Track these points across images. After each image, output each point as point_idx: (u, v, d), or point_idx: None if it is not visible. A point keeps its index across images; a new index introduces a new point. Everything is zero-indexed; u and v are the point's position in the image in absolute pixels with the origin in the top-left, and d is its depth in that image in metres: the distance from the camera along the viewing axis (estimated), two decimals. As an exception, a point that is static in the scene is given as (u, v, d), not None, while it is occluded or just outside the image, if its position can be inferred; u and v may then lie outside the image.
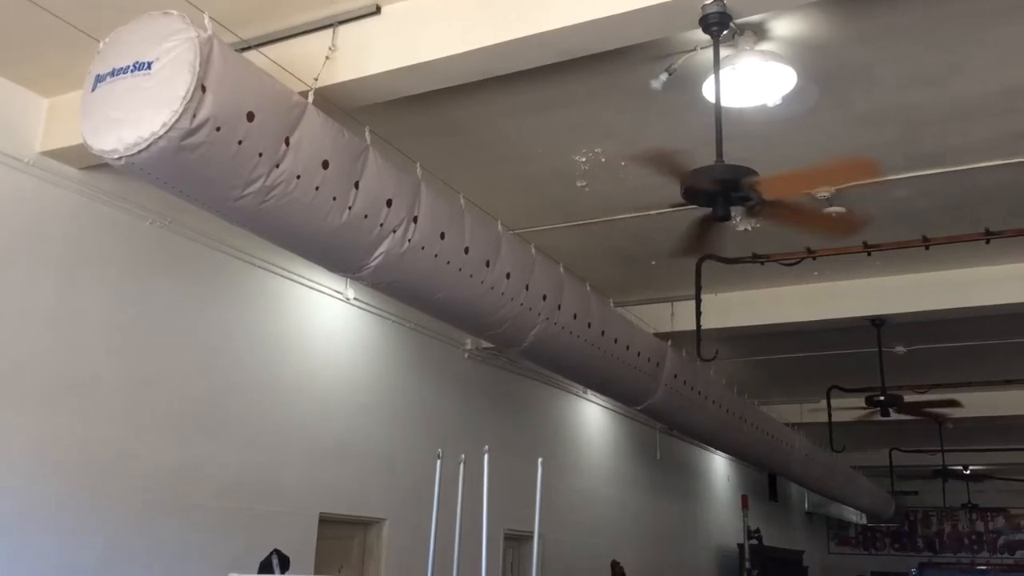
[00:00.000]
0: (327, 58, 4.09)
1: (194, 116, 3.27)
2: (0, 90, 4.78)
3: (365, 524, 7.16)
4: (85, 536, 4.93)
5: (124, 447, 5.19)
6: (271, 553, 5.25)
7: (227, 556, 5.63)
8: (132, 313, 5.34)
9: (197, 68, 3.26)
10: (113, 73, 3.38)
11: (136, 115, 3.28)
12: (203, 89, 3.28)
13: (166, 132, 3.23)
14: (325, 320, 6.81)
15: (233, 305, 6.02)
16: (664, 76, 4.44)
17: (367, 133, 4.18)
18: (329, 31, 4.13)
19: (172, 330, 5.58)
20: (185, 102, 3.23)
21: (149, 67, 3.30)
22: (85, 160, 4.93)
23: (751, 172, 3.78)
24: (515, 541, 8.76)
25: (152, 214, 5.41)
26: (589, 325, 6.01)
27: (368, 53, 4.09)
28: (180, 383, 5.58)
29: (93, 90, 3.43)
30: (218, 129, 3.36)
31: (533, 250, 5.48)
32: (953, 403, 9.95)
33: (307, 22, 4.17)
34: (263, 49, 4.15)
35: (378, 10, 4.07)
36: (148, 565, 5.23)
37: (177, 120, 3.23)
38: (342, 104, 4.25)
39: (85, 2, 4.01)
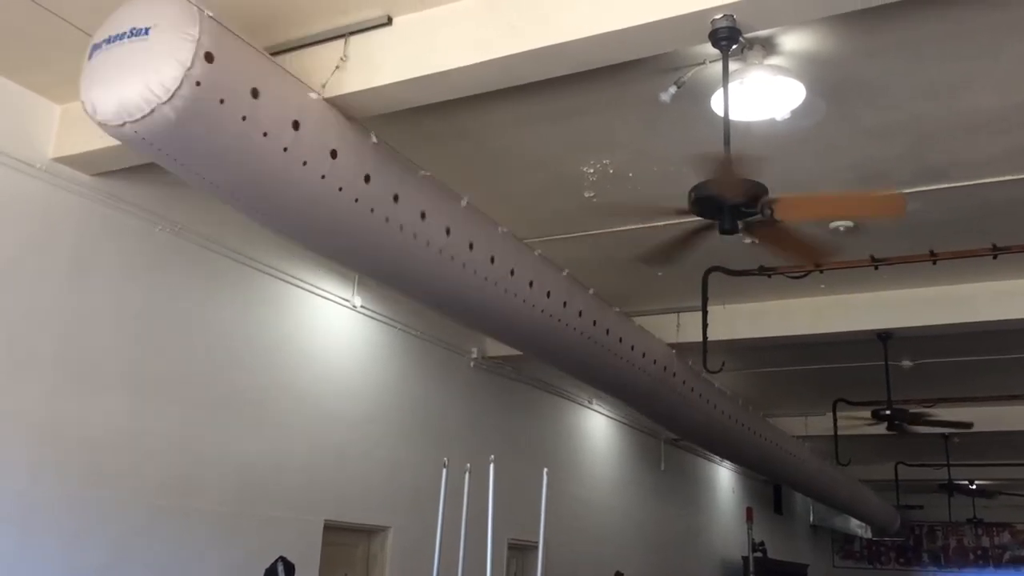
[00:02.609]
0: (337, 67, 4.11)
1: (197, 83, 3.29)
2: (14, 96, 4.82)
3: (370, 532, 7.16)
4: (89, 539, 4.95)
5: (129, 451, 5.21)
6: (277, 560, 5.27)
7: (232, 561, 5.65)
8: (139, 317, 5.37)
9: (198, 36, 3.29)
10: (109, 40, 3.40)
11: (134, 78, 3.30)
12: (207, 58, 3.30)
13: (169, 99, 3.26)
14: (331, 327, 6.83)
15: (241, 310, 6.05)
16: (673, 89, 4.46)
17: (372, 137, 4.22)
18: (340, 42, 4.15)
19: (179, 335, 5.60)
20: (186, 68, 3.25)
21: (146, 32, 3.31)
22: (96, 166, 4.97)
23: (764, 188, 3.79)
24: (519, 550, 8.76)
25: (162, 220, 5.45)
26: (595, 323, 6.08)
27: (379, 64, 4.11)
28: (186, 387, 5.61)
29: (90, 59, 3.45)
30: (221, 102, 3.38)
31: (539, 255, 5.50)
32: (964, 424, 9.92)
33: (318, 33, 4.19)
34: (273, 59, 4.17)
35: (390, 21, 4.10)
36: (152, 569, 5.24)
37: (179, 87, 3.25)
38: (352, 114, 4.27)
39: (99, 9, 4.03)
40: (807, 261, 5.30)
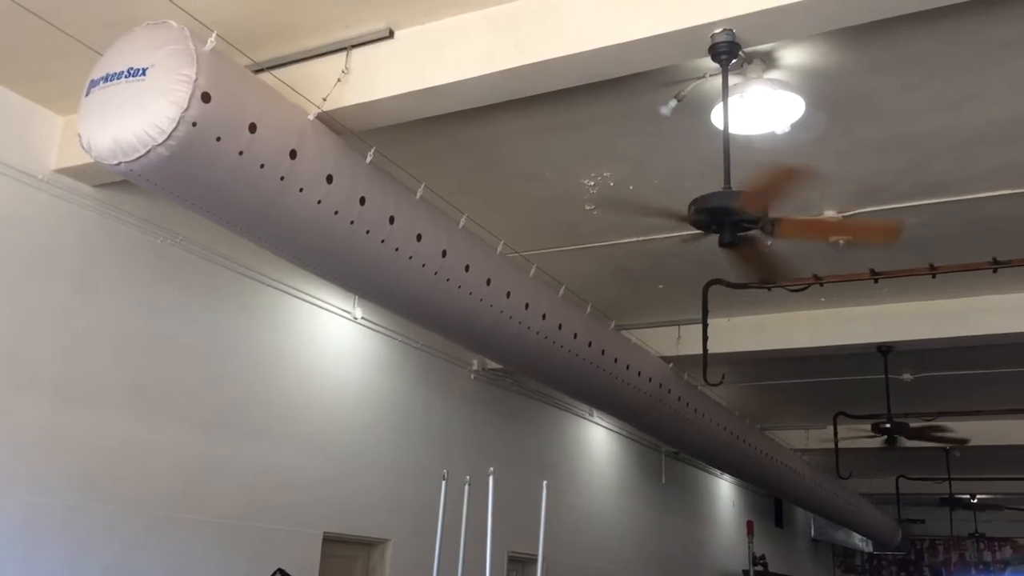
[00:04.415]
0: (339, 80, 4.13)
1: (194, 124, 3.30)
2: (17, 108, 4.84)
3: (369, 544, 7.15)
4: (91, 551, 4.94)
5: (130, 463, 5.21)
6: (275, 572, 5.26)
7: (232, 573, 5.64)
8: (142, 329, 5.37)
9: (194, 76, 3.29)
10: (106, 78, 3.40)
11: (129, 119, 3.31)
12: (204, 98, 3.31)
13: (164, 140, 3.27)
14: (332, 339, 6.83)
15: (242, 322, 6.06)
16: (673, 103, 4.48)
17: (371, 153, 4.23)
18: (342, 55, 4.17)
19: (181, 346, 5.61)
20: (183, 110, 3.26)
21: (143, 73, 3.32)
22: (98, 178, 4.98)
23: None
24: (519, 563, 8.73)
25: (163, 231, 5.46)
26: (590, 344, 6.07)
27: (380, 77, 4.13)
28: (188, 399, 5.61)
29: (87, 95, 3.47)
30: (218, 139, 3.40)
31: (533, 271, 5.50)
32: (945, 427, 9.88)
33: (320, 46, 4.22)
34: (276, 72, 4.20)
35: (391, 34, 4.12)
36: (152, 582, 5.24)
37: (175, 128, 3.26)
38: (352, 127, 4.29)
39: (101, 22, 4.06)
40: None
